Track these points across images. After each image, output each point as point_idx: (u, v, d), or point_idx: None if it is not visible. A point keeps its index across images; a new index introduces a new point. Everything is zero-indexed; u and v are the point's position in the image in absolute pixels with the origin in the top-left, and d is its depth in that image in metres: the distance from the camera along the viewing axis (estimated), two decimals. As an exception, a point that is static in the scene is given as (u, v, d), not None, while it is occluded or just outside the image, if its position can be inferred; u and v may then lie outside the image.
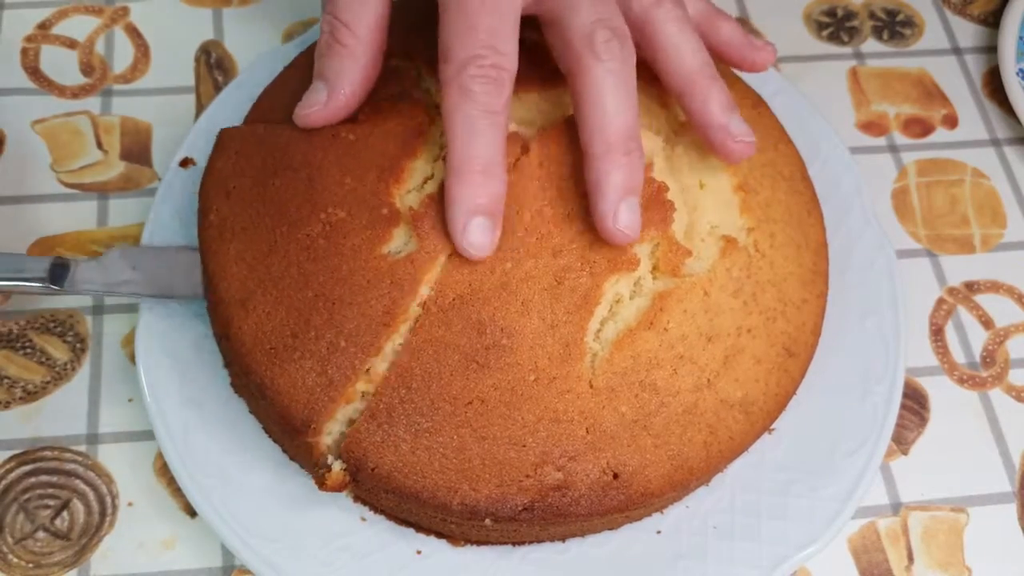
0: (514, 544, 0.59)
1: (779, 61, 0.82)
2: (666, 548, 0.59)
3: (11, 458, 0.62)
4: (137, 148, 0.74)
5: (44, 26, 0.79)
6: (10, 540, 0.60)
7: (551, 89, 0.60)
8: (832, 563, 0.62)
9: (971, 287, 0.73)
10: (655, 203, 0.57)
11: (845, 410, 0.62)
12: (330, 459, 0.56)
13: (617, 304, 0.56)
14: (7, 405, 0.64)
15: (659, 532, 0.59)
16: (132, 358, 0.65)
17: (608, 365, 0.55)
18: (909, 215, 0.75)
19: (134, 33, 0.79)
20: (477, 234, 0.54)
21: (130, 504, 0.62)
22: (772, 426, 0.61)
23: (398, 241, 0.56)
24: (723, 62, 0.63)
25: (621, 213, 0.54)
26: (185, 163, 0.68)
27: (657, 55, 0.58)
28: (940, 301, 0.72)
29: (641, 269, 0.56)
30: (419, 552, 0.58)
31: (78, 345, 0.66)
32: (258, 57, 0.73)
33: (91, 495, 0.62)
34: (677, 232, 0.57)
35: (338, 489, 0.55)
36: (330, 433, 0.55)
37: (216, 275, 0.58)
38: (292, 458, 0.60)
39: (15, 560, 0.59)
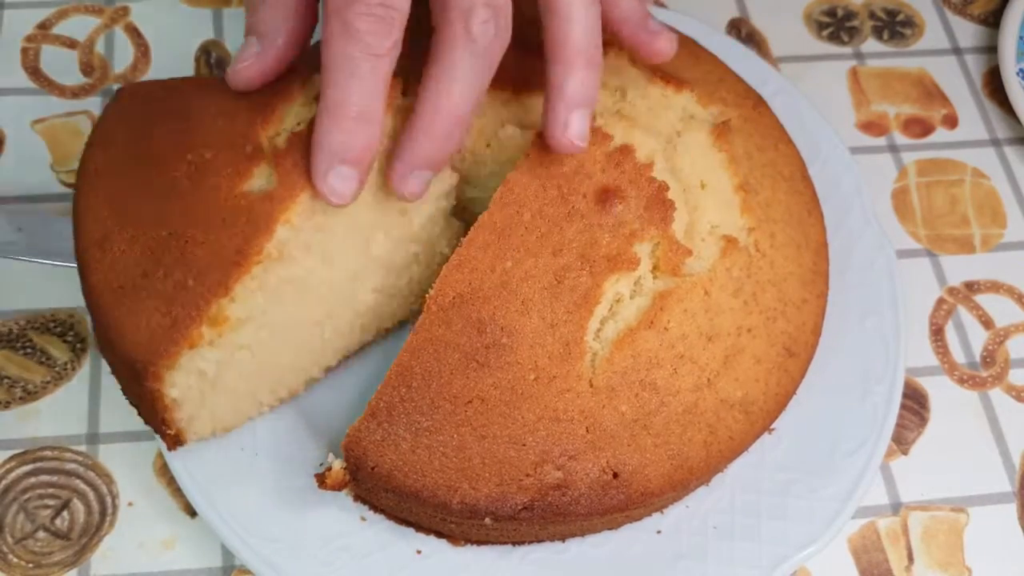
0: (514, 544, 0.59)
1: (779, 61, 0.82)
2: (666, 548, 0.59)
3: (11, 458, 0.62)
4: (137, 148, 0.74)
5: (44, 26, 0.79)
6: (10, 540, 0.60)
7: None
8: (832, 563, 0.62)
9: (971, 287, 0.72)
10: (655, 203, 0.57)
11: (845, 410, 0.62)
12: (331, 457, 0.56)
13: (617, 303, 0.56)
14: (7, 405, 0.64)
15: (659, 532, 0.59)
16: (132, 358, 0.65)
17: (608, 364, 0.55)
18: (909, 215, 0.75)
19: (134, 33, 0.80)
20: (338, 182, 0.51)
21: (130, 504, 0.62)
22: (772, 426, 0.61)
23: (259, 179, 0.53)
24: (618, 42, 0.60)
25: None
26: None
27: (550, 20, 0.54)
28: (940, 301, 0.72)
29: (641, 268, 0.56)
30: (419, 552, 0.58)
31: (78, 345, 0.66)
32: (258, 57, 0.73)
33: (91, 495, 0.62)
34: (677, 232, 0.57)
35: (338, 488, 0.55)
36: (175, 385, 0.52)
37: (79, 216, 0.55)
38: (146, 422, 0.56)
39: (15, 560, 0.59)
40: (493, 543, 0.58)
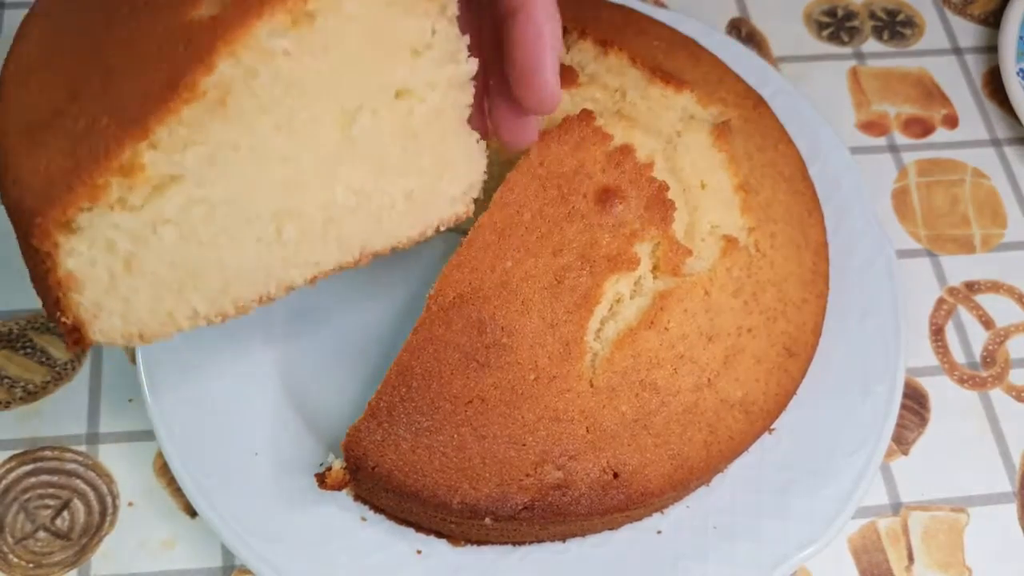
0: (514, 544, 0.58)
1: (779, 61, 0.82)
2: (666, 548, 0.59)
3: (11, 458, 0.62)
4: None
5: (44, 26, 0.79)
6: (10, 540, 0.60)
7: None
8: (832, 563, 0.62)
9: (971, 287, 0.72)
10: (655, 203, 0.57)
11: (845, 410, 0.62)
12: (331, 457, 0.56)
13: (617, 303, 0.56)
14: (7, 405, 0.64)
15: (659, 532, 0.59)
16: (132, 358, 0.65)
17: (608, 364, 0.55)
18: (909, 215, 0.75)
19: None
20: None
21: (130, 504, 0.62)
22: (772, 426, 0.61)
23: (210, 5, 0.43)
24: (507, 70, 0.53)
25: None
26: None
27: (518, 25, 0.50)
28: (940, 301, 0.72)
29: (641, 268, 0.56)
30: (419, 552, 0.58)
31: (78, 345, 0.66)
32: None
33: (91, 495, 0.62)
34: (678, 232, 0.57)
35: (338, 488, 0.55)
36: (73, 253, 0.43)
37: (8, 59, 0.48)
38: (44, 308, 0.47)
39: (15, 560, 0.59)
40: (493, 543, 0.58)
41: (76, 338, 0.45)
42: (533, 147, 0.57)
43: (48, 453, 0.63)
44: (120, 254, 0.44)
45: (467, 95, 0.50)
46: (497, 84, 0.53)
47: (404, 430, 0.53)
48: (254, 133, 0.44)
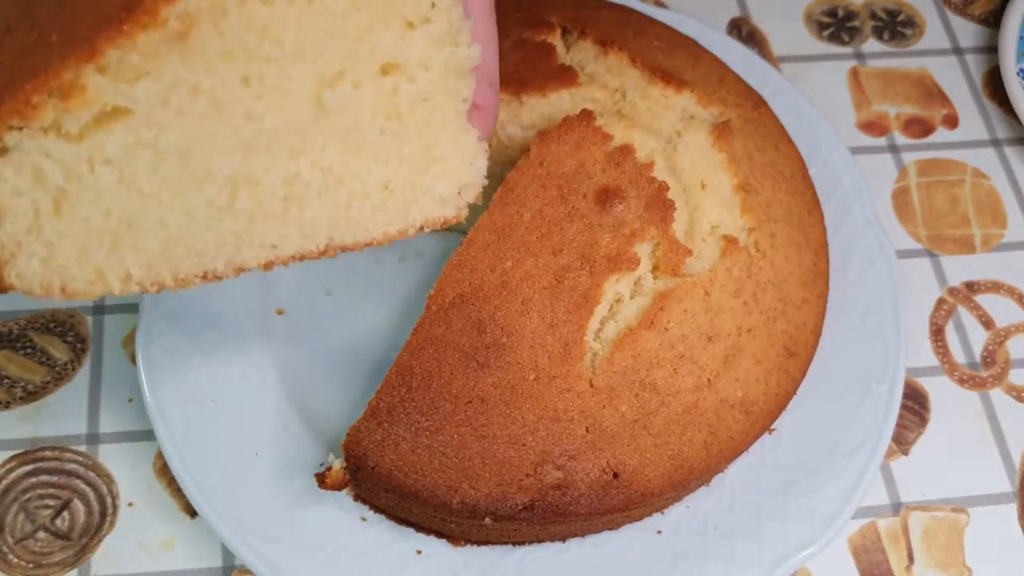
0: (514, 544, 0.58)
1: (779, 61, 0.82)
2: (666, 548, 0.58)
3: (11, 458, 0.62)
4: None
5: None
6: (10, 540, 0.60)
7: (551, 91, 0.61)
8: (832, 563, 0.62)
9: (971, 287, 0.72)
10: (655, 203, 0.57)
11: (845, 410, 0.62)
12: (331, 457, 0.56)
13: (617, 303, 0.56)
14: (7, 405, 0.64)
15: (659, 532, 0.59)
16: (132, 358, 0.65)
17: (608, 364, 0.55)
18: (909, 215, 0.75)
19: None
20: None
21: (130, 504, 0.62)
22: (772, 426, 0.61)
23: None
24: None
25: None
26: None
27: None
28: (940, 301, 0.72)
29: (641, 269, 0.56)
30: (419, 552, 0.58)
31: (78, 345, 0.66)
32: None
33: (91, 495, 0.62)
34: (678, 232, 0.57)
35: (338, 488, 0.55)
36: (5, 179, 0.39)
37: None
38: None
39: (15, 560, 0.59)
40: (493, 543, 0.58)
41: None
42: (533, 147, 0.57)
43: (48, 453, 0.63)
44: (50, 189, 0.40)
45: (466, 85, 0.47)
46: None
47: (404, 430, 0.53)
48: (217, 80, 0.41)
